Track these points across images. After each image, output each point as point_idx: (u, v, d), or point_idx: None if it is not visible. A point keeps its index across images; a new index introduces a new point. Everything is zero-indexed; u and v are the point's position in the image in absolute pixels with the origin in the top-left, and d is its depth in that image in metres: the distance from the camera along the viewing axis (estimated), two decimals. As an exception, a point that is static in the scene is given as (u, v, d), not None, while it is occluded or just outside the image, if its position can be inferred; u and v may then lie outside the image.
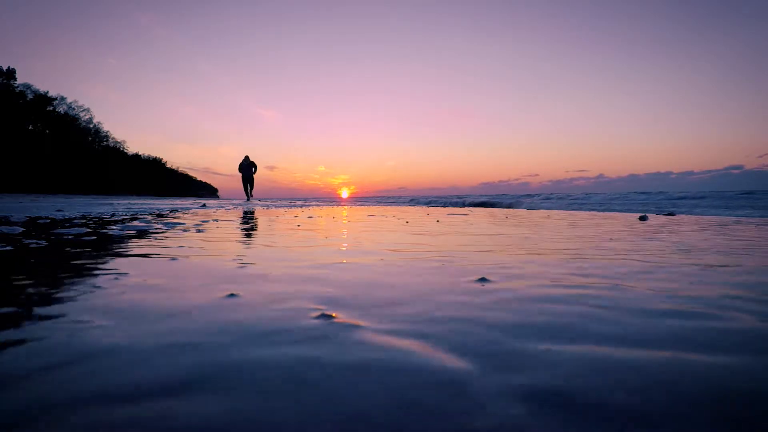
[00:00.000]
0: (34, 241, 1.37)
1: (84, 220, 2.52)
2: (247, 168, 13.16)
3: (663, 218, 3.30)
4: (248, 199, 12.92)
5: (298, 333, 0.50)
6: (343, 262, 1.02)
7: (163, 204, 7.94)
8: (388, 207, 6.92)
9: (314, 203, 11.59)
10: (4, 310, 0.58)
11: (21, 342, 0.46)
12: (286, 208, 5.25)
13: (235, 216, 3.23)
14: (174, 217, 2.96)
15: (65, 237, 1.53)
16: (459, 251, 1.23)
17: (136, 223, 2.39)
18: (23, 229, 1.73)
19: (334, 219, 3.02)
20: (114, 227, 1.97)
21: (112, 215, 3.24)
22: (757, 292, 0.74)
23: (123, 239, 1.51)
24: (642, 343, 0.47)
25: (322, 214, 3.87)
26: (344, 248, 1.30)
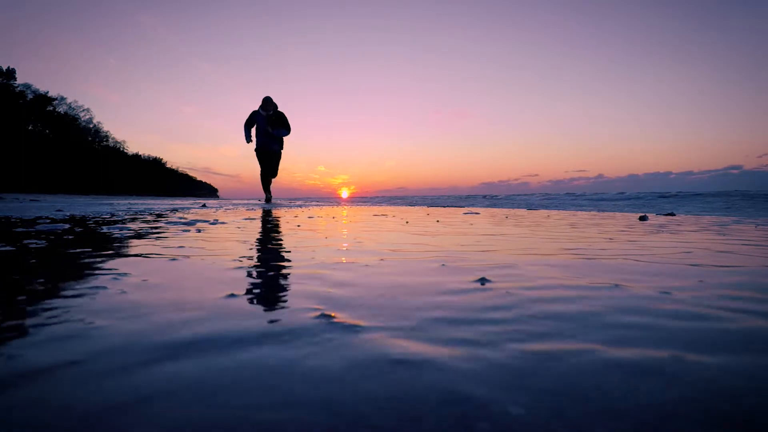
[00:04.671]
0: (34, 241, 1.37)
1: (84, 220, 2.52)
2: (270, 127, 6.32)
3: (663, 218, 3.30)
4: (268, 199, 7.05)
5: (298, 333, 0.50)
6: (342, 262, 1.02)
7: (163, 204, 7.94)
8: (385, 207, 6.91)
9: (314, 203, 11.22)
10: (2, 310, 0.58)
11: (19, 343, 0.46)
12: (286, 208, 5.25)
13: (235, 216, 3.23)
14: (174, 217, 2.96)
15: (65, 237, 1.53)
16: (459, 251, 1.23)
17: (136, 223, 2.39)
18: (33, 230, 1.73)
19: (334, 219, 3.02)
20: (114, 227, 1.97)
21: (112, 215, 3.24)
22: (758, 292, 0.74)
23: (123, 239, 1.51)
24: (642, 343, 0.47)
25: (322, 214, 3.87)
26: (344, 248, 1.30)
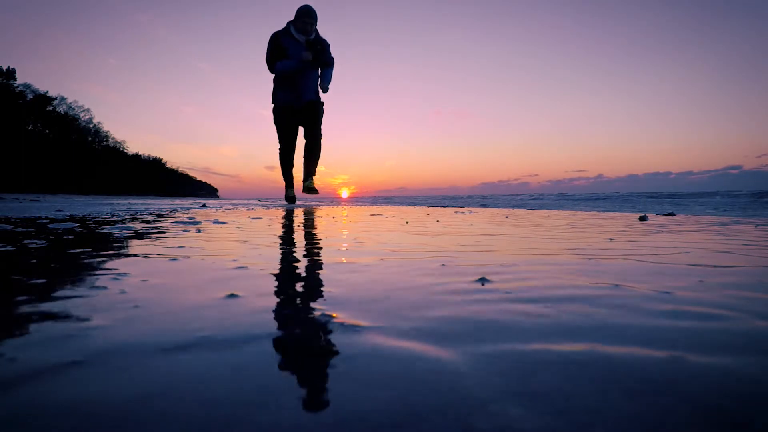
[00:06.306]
0: (34, 241, 1.37)
1: (84, 220, 2.52)
2: (311, 52, 3.78)
3: (663, 218, 3.30)
4: (290, 197, 4.81)
5: (299, 332, 0.50)
6: (343, 262, 1.02)
7: (163, 204, 7.94)
8: (385, 207, 6.91)
9: (314, 203, 11.27)
10: (3, 310, 0.58)
11: (19, 343, 0.46)
12: (285, 208, 5.24)
13: (235, 216, 3.23)
14: (174, 217, 2.96)
15: (65, 237, 1.53)
16: (459, 251, 1.23)
17: (136, 223, 2.39)
18: (33, 229, 1.73)
19: (334, 219, 3.02)
20: (114, 227, 1.97)
21: (112, 215, 3.24)
22: (758, 292, 0.74)
23: (123, 239, 1.51)
24: (642, 343, 0.47)
25: (321, 213, 3.87)
26: (344, 248, 1.30)
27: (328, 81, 3.96)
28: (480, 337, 0.48)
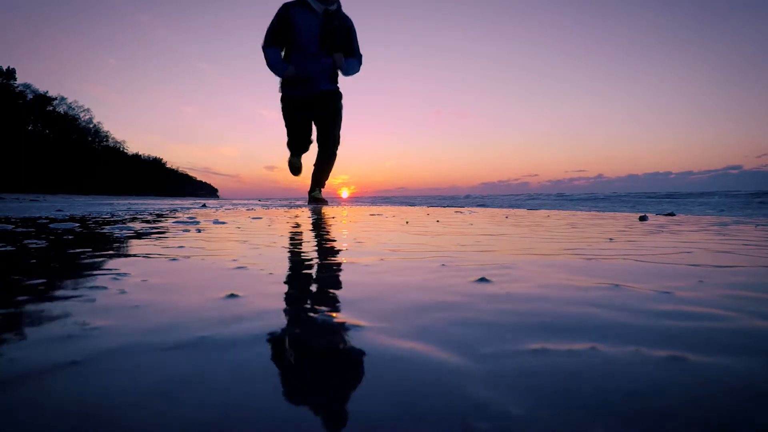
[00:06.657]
0: (34, 241, 1.37)
1: (84, 220, 2.52)
2: (327, 44, 2.98)
3: (663, 218, 3.29)
4: (313, 199, 3.89)
5: (299, 332, 0.50)
6: (343, 262, 1.02)
7: (163, 204, 7.94)
8: (385, 207, 6.91)
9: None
10: (3, 310, 0.58)
11: (19, 343, 0.46)
12: (286, 209, 5.24)
13: (235, 216, 3.23)
14: (174, 217, 2.96)
15: (65, 237, 1.53)
16: (459, 251, 1.23)
17: (136, 223, 2.39)
18: (30, 229, 1.73)
19: (334, 219, 3.01)
20: (114, 227, 1.97)
21: (112, 215, 3.24)
22: (758, 292, 0.74)
23: (123, 239, 1.51)
24: (642, 343, 0.47)
25: (321, 214, 3.86)
26: (344, 248, 1.30)
27: (352, 72, 3.29)
28: (480, 337, 0.48)
